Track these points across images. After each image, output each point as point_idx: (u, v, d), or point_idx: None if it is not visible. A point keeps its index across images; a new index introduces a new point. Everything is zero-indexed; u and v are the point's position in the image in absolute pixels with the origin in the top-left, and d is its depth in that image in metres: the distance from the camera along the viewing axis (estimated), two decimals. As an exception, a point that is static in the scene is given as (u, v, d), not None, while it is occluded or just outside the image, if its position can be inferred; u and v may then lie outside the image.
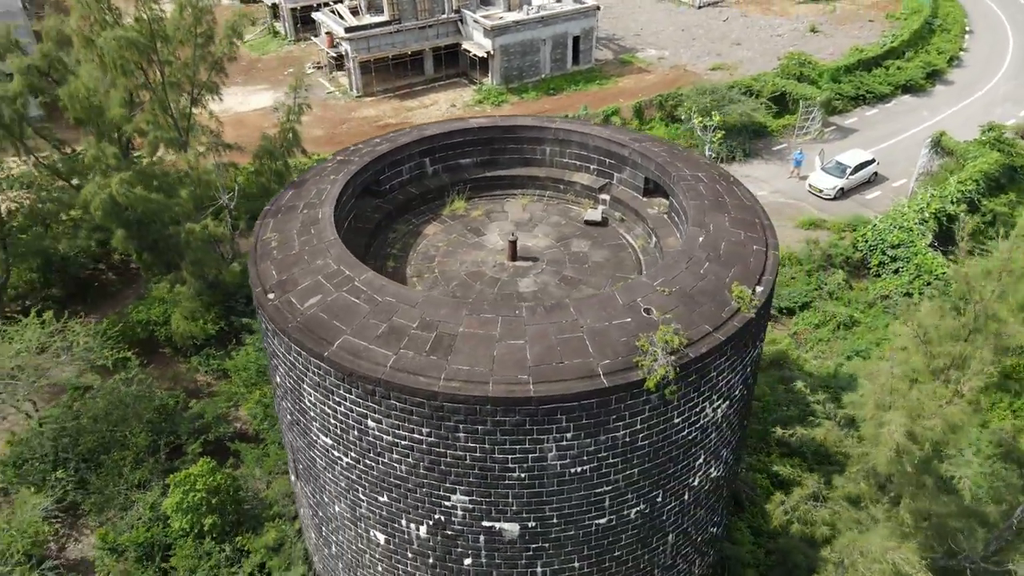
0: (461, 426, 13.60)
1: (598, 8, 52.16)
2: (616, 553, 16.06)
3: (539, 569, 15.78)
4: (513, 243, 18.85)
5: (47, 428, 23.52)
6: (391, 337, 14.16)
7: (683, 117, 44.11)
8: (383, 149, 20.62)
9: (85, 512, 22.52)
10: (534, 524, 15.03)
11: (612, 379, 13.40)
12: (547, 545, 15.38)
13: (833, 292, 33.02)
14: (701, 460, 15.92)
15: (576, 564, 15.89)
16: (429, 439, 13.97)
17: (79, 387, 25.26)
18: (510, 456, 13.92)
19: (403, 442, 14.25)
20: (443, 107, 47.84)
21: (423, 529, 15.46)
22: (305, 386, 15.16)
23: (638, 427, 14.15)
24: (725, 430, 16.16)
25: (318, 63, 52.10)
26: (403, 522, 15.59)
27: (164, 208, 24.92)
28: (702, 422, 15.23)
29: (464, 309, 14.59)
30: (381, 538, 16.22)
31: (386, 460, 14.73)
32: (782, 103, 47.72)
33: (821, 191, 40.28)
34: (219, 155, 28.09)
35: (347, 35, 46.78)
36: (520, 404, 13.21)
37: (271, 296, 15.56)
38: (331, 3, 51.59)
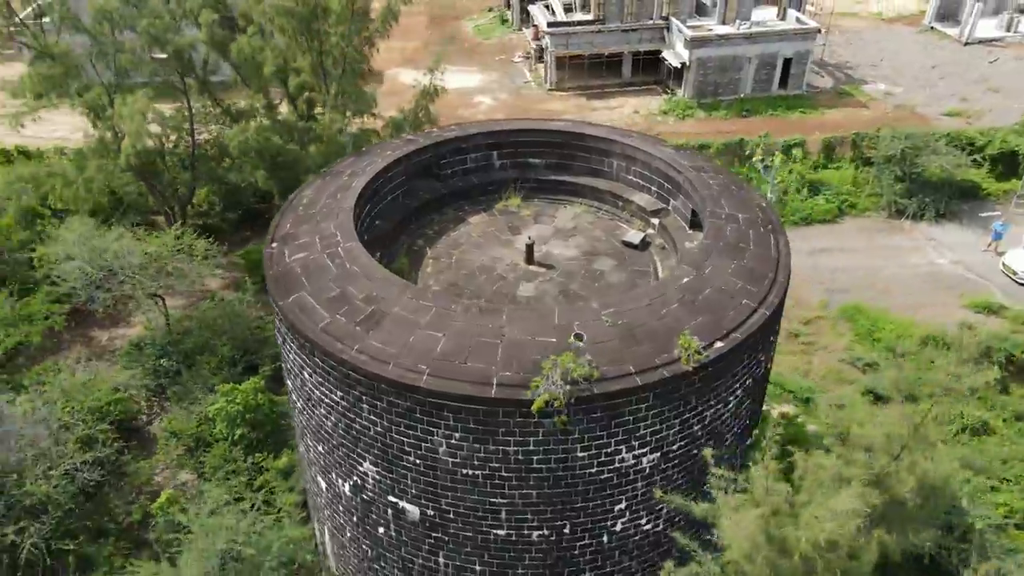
0: (364, 398, 14.34)
1: (819, 31, 48.29)
2: (520, 571, 15.86)
3: (441, 560, 16.10)
4: (530, 247, 18.96)
5: (169, 323, 27.96)
6: (336, 302, 15.22)
7: (874, 161, 39.81)
8: (450, 135, 21.61)
9: (168, 398, 26.53)
10: (432, 513, 15.36)
11: (501, 391, 13.32)
12: (447, 538, 15.65)
13: (976, 390, 28.38)
14: (623, 506, 15.13)
15: (478, 568, 15.96)
16: (342, 403, 14.89)
17: (205, 296, 29.56)
18: (405, 439, 14.40)
19: (326, 400, 15.32)
20: (626, 112, 47.55)
21: (347, 487, 16.47)
22: (279, 331, 16.81)
23: (531, 448, 13.89)
24: (662, 484, 15.17)
25: (526, 53, 54.17)
26: (334, 475, 16.73)
27: (298, 158, 28.14)
28: (620, 467, 14.48)
29: (408, 293, 15.22)
30: (323, 485, 17.52)
31: (319, 413, 15.92)
32: (1013, 164, 41.10)
33: (1016, 273, 34.28)
34: (365, 122, 30.80)
35: (549, 29, 48.15)
36: (409, 391, 13.64)
37: (273, 245, 17.35)
38: (553, -3, 53.24)
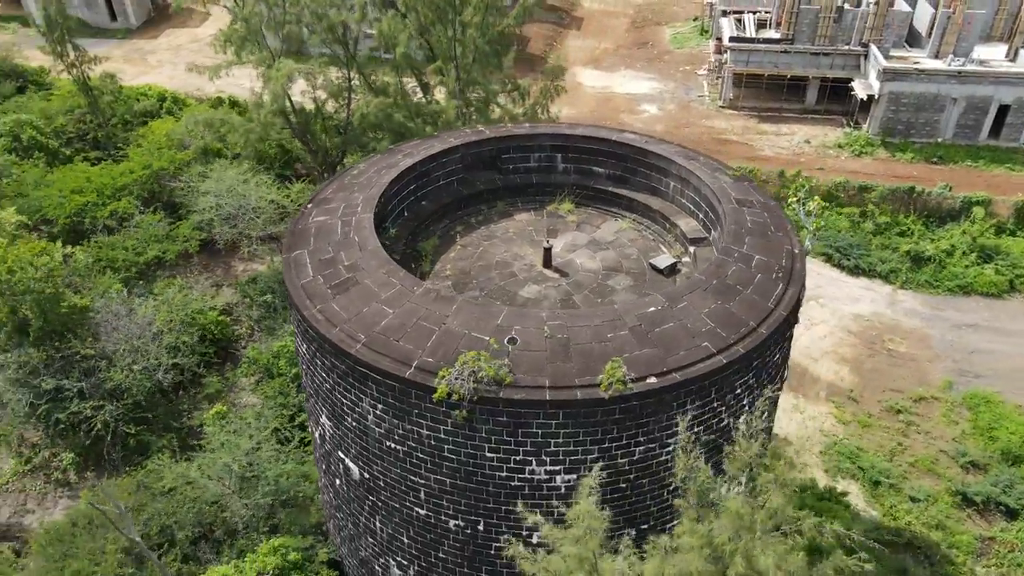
0: (317, 355, 15.55)
1: (1050, 81, 41.59)
2: (440, 555, 16.31)
3: (377, 524, 16.98)
4: (547, 251, 19.06)
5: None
6: (325, 264, 16.53)
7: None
8: (517, 131, 22.11)
9: (262, 330, 29.76)
10: (368, 476, 16.28)
11: (415, 374, 13.85)
12: (380, 504, 16.49)
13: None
14: (539, 519, 15.01)
15: (405, 540, 16.65)
16: (306, 356, 16.23)
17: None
18: (344, 400, 15.41)
19: (300, 351, 16.77)
20: (796, 140, 44.43)
21: (317, 432, 17.89)
22: (293, 282, 18.55)
23: (442, 435, 14.27)
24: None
25: (710, 66, 52.34)
26: (312, 423, 18.22)
27: (420, 135, 30.06)
28: (531, 478, 14.43)
29: (384, 268, 16.10)
30: (311, 430, 19.11)
31: (301, 365, 17.43)
32: None
33: None
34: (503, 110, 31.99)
35: (730, 44, 46.11)
36: (344, 356, 14.59)
37: (308, 206, 19.06)
38: (749, 11, 50.92)
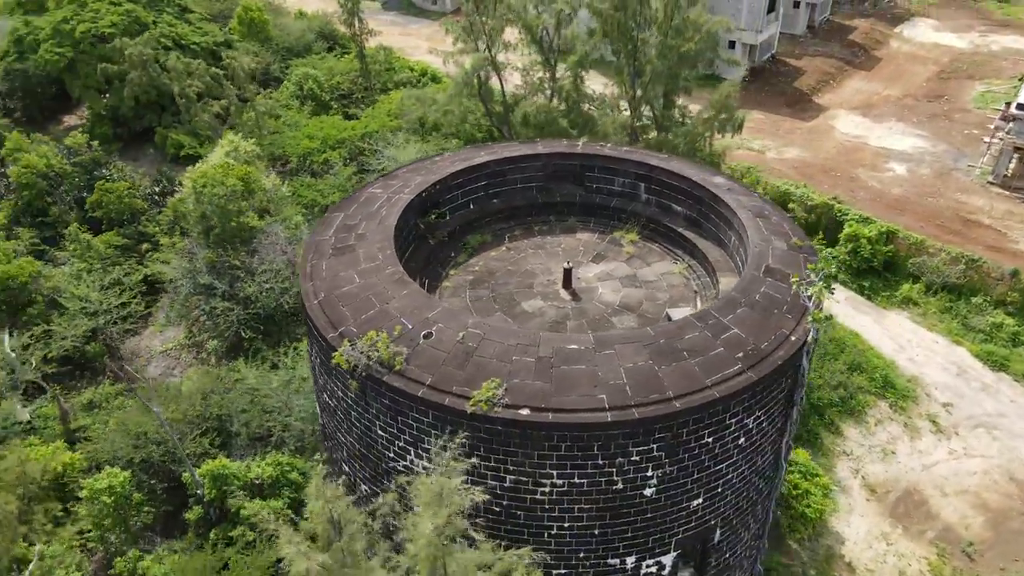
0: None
1: None
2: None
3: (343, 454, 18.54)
4: (568, 271, 18.94)
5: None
6: (340, 231, 18.24)
7: None
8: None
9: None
10: (323, 422, 17.98)
11: (334, 339, 15.07)
12: (337, 436, 17.93)
13: None
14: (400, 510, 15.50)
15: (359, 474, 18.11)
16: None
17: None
18: (311, 344, 17.19)
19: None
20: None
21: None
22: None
23: (350, 401, 15.37)
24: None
25: (991, 134, 44.17)
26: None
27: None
28: (412, 468, 14.96)
29: (378, 244, 17.38)
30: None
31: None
32: None
33: None
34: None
35: (1017, 111, 38.56)
36: (303, 308, 16.33)
37: (377, 180, 21.07)
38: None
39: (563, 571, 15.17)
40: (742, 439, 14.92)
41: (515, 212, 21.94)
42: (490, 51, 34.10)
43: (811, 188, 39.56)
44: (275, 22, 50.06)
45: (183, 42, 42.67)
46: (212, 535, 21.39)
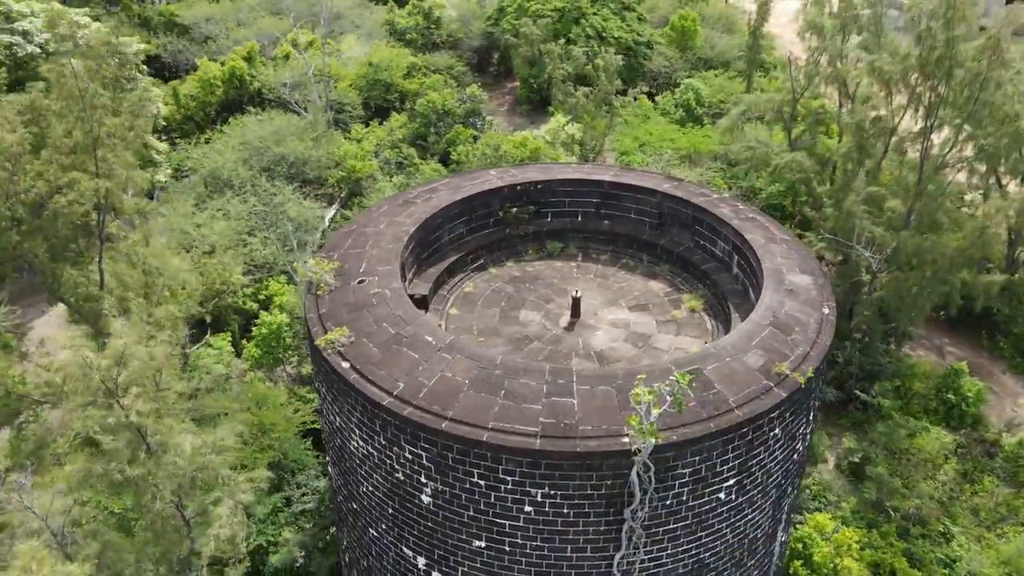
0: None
1: None
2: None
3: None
4: (576, 300, 18.71)
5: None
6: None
7: None
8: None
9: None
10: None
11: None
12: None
13: None
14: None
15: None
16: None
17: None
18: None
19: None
20: None
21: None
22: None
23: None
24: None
25: None
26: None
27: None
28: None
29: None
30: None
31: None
32: None
33: None
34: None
35: None
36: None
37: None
38: None
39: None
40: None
41: (615, 238, 21.47)
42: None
43: None
44: (707, 35, 51.49)
45: (603, 33, 47.75)
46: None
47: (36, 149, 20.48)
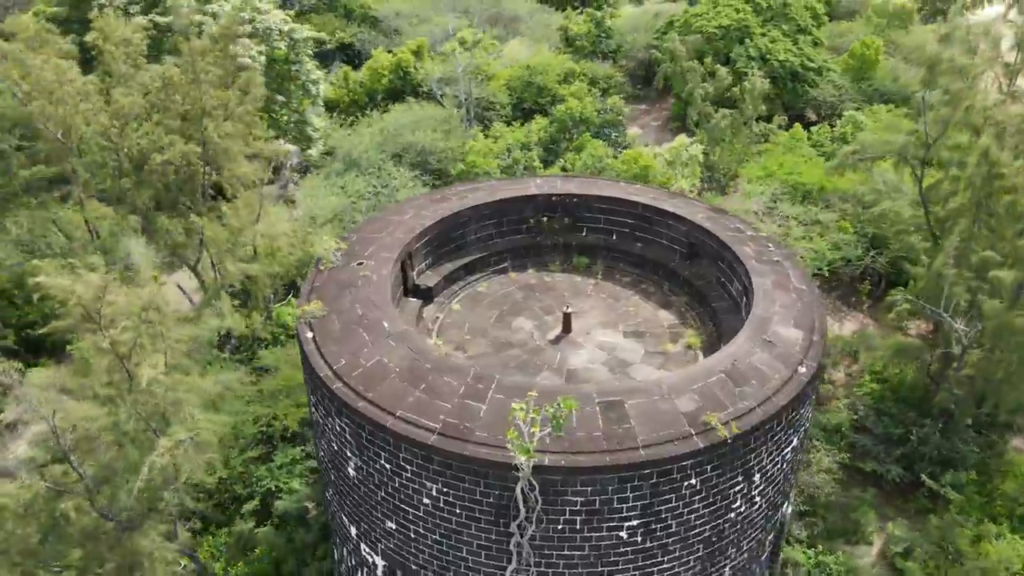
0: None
1: None
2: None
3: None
4: (567, 315, 18.71)
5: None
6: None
7: None
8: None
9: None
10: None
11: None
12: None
13: None
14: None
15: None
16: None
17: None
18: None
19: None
20: None
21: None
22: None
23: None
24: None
25: None
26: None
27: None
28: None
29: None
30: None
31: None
32: None
33: None
34: None
35: None
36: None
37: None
38: None
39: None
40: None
41: (643, 262, 20.96)
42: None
43: None
44: (893, 65, 47.13)
45: (767, 55, 45.48)
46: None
47: (154, 113, 24.06)
